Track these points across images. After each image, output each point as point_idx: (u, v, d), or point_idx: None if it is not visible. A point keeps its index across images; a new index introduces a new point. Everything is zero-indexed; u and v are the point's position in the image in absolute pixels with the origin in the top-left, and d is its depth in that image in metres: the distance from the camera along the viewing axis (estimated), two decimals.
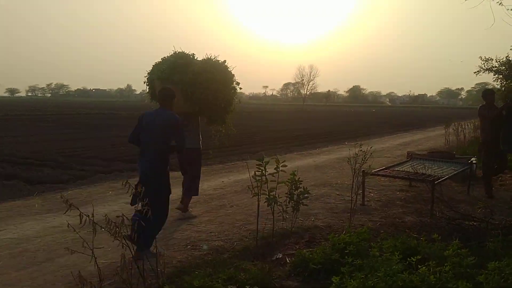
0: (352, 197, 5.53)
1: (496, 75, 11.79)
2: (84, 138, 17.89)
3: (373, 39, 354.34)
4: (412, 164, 7.44)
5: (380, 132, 24.16)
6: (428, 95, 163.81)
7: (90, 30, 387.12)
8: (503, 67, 11.53)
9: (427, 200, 6.75)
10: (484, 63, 11.78)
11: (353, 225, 5.51)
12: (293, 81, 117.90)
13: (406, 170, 7.01)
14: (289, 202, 4.41)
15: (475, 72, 12.10)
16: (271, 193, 4.15)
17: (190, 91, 5.67)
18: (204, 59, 6.03)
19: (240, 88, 6.30)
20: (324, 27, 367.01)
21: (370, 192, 7.50)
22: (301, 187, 4.44)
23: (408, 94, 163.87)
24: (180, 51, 6.08)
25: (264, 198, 4.16)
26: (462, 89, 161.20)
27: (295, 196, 4.42)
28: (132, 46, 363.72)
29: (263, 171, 4.03)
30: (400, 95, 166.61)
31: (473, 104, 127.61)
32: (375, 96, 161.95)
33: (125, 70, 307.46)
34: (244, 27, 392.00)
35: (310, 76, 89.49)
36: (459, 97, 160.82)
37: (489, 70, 11.76)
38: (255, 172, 4.10)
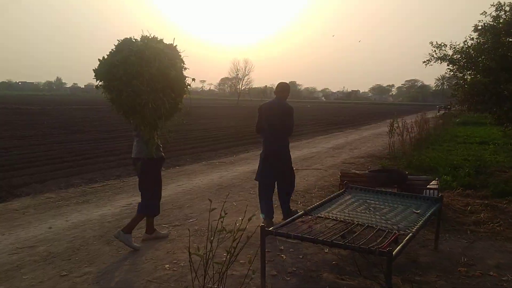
0: None
1: (451, 66, 9.27)
2: None
3: (310, 39, 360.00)
4: (347, 203, 4.54)
5: (313, 131, 21.66)
6: (361, 91, 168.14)
7: (16, 21, 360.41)
8: (458, 56, 9.05)
9: (374, 266, 3.95)
10: (435, 51, 9.25)
11: None
12: (229, 76, 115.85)
13: (338, 216, 4.08)
14: None
15: (424, 62, 9.55)
16: None
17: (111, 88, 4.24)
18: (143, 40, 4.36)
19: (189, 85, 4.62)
20: (263, 30, 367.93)
21: (280, 252, 4.52)
22: None
23: (342, 90, 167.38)
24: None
25: None
26: (392, 85, 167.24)
27: None
28: (62, 38, 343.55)
29: None
30: (334, 91, 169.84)
31: (403, 101, 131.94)
32: (310, 92, 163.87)
33: (54, 62, 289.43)
34: (185, 31, 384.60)
35: (245, 70, 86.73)
36: (390, 93, 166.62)
37: (442, 59, 9.24)
38: None
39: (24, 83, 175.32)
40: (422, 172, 9.21)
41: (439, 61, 9.38)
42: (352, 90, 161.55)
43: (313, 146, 15.23)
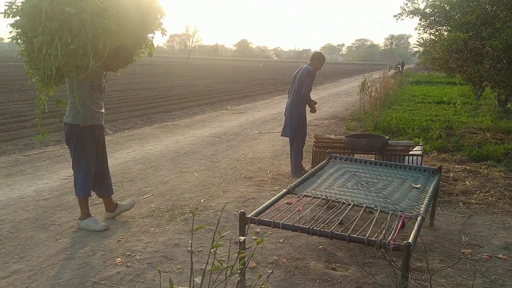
0: None
1: (422, 21, 8.68)
2: None
3: None
4: (334, 177, 3.85)
5: (269, 91, 20.88)
6: (312, 50, 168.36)
7: None
8: (430, 10, 8.45)
9: (378, 256, 3.34)
10: (407, 4, 8.60)
11: None
12: (179, 33, 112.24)
13: (328, 194, 3.39)
14: None
15: (395, 16, 8.91)
16: None
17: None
18: None
19: None
20: None
21: (256, 236, 3.80)
22: None
23: (293, 49, 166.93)
24: None
25: None
26: (343, 45, 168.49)
27: None
28: None
29: None
30: (286, 50, 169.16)
31: (353, 60, 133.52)
32: (262, 51, 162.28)
33: None
34: None
35: (195, 27, 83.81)
36: (340, 52, 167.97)
37: (413, 13, 8.62)
38: None
39: None
40: (390, 134, 8.79)
41: (411, 15, 8.74)
42: (303, 49, 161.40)
43: (272, 107, 14.53)
